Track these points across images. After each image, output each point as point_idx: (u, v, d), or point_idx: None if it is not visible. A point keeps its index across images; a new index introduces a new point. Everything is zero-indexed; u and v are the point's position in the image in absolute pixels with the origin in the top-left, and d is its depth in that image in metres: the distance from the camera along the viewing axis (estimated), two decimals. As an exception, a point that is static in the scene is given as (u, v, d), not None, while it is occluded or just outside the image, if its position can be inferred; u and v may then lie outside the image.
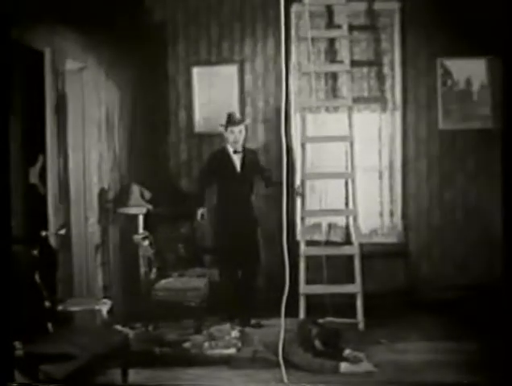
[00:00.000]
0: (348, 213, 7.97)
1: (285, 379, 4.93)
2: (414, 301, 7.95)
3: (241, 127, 7.43)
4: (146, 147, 8.32)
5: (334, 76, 8.32)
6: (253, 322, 7.13)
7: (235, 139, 7.39)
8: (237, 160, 7.39)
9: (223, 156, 7.44)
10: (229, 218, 7.28)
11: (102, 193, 7.03)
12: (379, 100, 8.33)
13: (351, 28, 8.04)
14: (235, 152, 7.39)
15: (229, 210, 7.29)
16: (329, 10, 8.23)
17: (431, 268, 8.29)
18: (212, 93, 8.40)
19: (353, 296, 7.30)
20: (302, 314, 7.17)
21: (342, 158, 8.03)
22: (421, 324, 7.12)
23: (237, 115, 7.63)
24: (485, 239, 8.11)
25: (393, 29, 8.30)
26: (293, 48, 8.26)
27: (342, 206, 8.15)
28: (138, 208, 7.24)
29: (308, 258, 7.42)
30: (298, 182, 7.66)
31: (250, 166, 7.45)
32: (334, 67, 8.25)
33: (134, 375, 5.44)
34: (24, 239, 5.46)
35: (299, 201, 7.63)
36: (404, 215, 8.34)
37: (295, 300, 7.03)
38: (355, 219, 7.57)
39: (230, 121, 7.40)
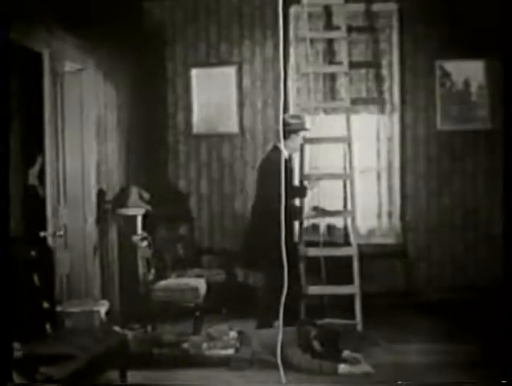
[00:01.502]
0: (346, 214, 7.97)
1: (283, 381, 4.93)
2: (412, 302, 7.96)
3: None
4: (145, 148, 8.33)
5: (332, 78, 8.33)
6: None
7: (297, 145, 7.00)
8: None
9: (278, 157, 6.52)
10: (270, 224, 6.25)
11: (101, 194, 7.03)
12: (377, 101, 8.34)
13: (349, 29, 8.06)
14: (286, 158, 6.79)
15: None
16: (328, 12, 8.25)
17: (430, 269, 8.30)
18: (211, 95, 8.41)
19: (351, 297, 7.30)
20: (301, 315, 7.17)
21: (340, 159, 8.04)
22: (419, 325, 7.12)
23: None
24: (484, 239, 8.13)
25: (391, 30, 8.31)
26: (291, 49, 8.27)
27: (341, 207, 8.16)
28: (136, 209, 7.24)
29: (307, 259, 7.42)
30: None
31: (289, 170, 7.04)
32: (332, 69, 8.26)
33: (132, 376, 5.44)
34: (23, 240, 5.46)
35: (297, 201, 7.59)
36: (402, 216, 8.35)
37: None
38: (353, 220, 7.57)
39: (301, 125, 6.97)
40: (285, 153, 6.74)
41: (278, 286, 6.38)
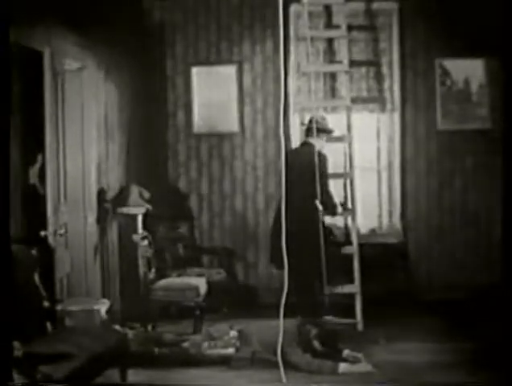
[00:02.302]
0: (346, 213, 7.96)
1: (283, 380, 4.93)
2: (412, 301, 7.96)
3: None
4: (145, 147, 8.32)
5: (333, 76, 8.33)
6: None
7: (323, 145, 7.16)
8: None
9: (309, 152, 7.02)
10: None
11: (101, 193, 7.03)
12: (378, 100, 8.34)
13: (350, 28, 8.06)
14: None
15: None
16: (328, 10, 8.24)
17: (430, 269, 8.30)
18: (211, 93, 8.40)
19: (351, 296, 7.30)
20: (301, 315, 7.17)
21: (341, 158, 8.04)
22: (420, 324, 7.12)
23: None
24: (484, 239, 8.13)
25: (391, 29, 8.30)
26: (292, 48, 8.27)
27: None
28: (137, 208, 7.24)
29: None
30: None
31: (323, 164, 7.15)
32: (333, 68, 8.26)
33: (132, 375, 5.44)
34: (23, 239, 5.45)
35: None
36: (403, 216, 8.35)
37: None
38: (354, 220, 7.57)
39: (327, 125, 7.19)
40: (317, 148, 7.02)
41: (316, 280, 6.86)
